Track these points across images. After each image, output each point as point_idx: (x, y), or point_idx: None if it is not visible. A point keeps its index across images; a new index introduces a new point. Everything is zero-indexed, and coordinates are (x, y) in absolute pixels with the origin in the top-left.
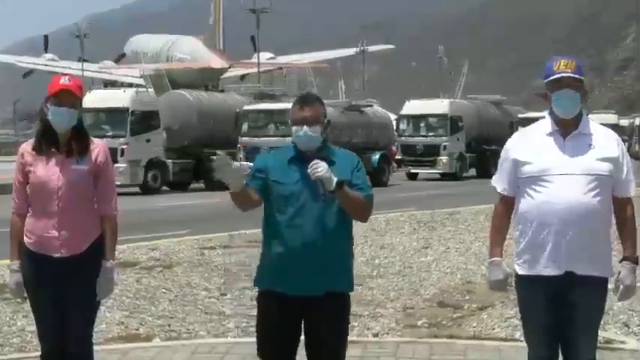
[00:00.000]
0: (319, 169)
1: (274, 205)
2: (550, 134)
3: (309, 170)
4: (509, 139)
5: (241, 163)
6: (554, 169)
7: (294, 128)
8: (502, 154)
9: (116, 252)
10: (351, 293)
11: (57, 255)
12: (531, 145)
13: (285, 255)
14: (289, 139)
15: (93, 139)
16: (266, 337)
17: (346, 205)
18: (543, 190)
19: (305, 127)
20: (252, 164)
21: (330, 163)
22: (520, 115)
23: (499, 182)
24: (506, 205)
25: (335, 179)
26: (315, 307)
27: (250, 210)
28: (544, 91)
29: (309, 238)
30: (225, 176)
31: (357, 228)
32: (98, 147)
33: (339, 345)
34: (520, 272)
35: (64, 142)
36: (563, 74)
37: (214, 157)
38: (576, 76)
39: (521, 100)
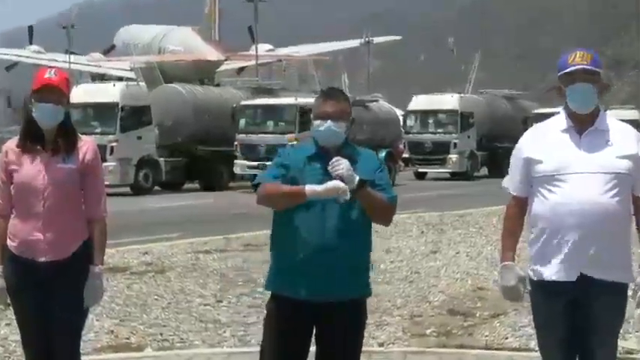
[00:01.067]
0: (341, 167)
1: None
2: (565, 131)
3: (329, 167)
4: (522, 137)
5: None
6: (569, 167)
7: (316, 122)
8: (514, 152)
9: (105, 256)
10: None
11: (42, 259)
12: (545, 142)
13: (304, 257)
14: (288, 136)
15: (81, 136)
16: (275, 342)
17: (368, 206)
18: (558, 191)
19: (329, 121)
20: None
21: (352, 162)
22: (534, 111)
23: (511, 182)
24: (519, 206)
25: (357, 178)
26: (332, 314)
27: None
28: (558, 85)
29: (329, 239)
30: (326, 193)
31: None
32: (86, 144)
33: (355, 356)
34: (534, 278)
35: (50, 139)
36: (578, 67)
37: None
38: (592, 68)
39: (535, 95)
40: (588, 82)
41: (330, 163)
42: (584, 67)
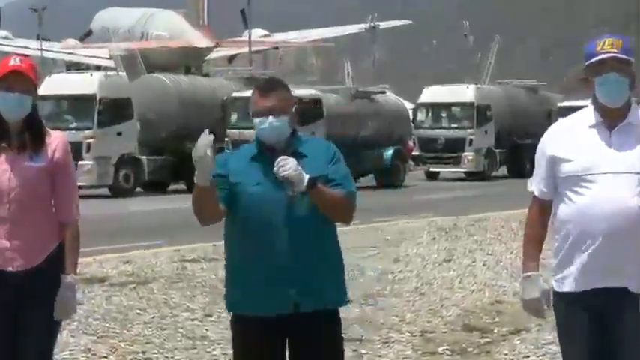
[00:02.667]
0: (287, 167)
1: (238, 211)
2: (593, 126)
3: (275, 169)
4: (546, 133)
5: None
6: (597, 167)
7: (256, 120)
8: (538, 150)
9: (82, 266)
10: (356, 313)
11: (8, 269)
12: (571, 139)
13: (256, 268)
14: None
15: (50, 131)
16: None
17: (322, 207)
18: (585, 192)
19: (270, 117)
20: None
21: (301, 157)
22: (560, 104)
23: (533, 182)
24: (543, 209)
25: (306, 177)
26: (300, 328)
27: (211, 223)
28: (585, 75)
29: (280, 246)
30: (203, 162)
31: (366, 237)
32: (56, 140)
33: None
34: (558, 289)
35: (16, 134)
36: (608, 55)
37: (202, 136)
38: (624, 57)
39: (561, 86)
40: (619, 72)
41: (275, 163)
42: (615, 55)
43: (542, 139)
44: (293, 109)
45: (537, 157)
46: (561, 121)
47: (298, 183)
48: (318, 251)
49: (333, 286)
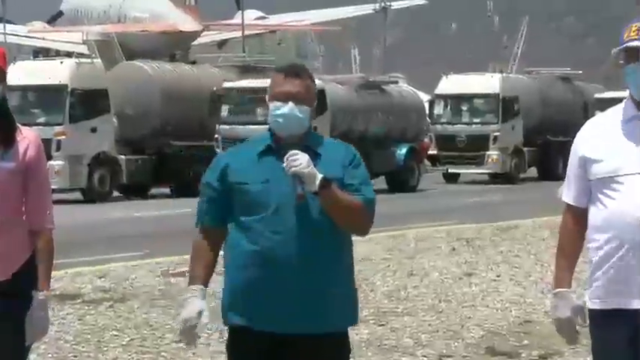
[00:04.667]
0: (297, 162)
1: (241, 214)
2: (629, 121)
3: (284, 164)
4: (580, 130)
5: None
6: (630, 167)
7: (273, 105)
8: (571, 150)
9: (52, 280)
10: (365, 334)
11: None
12: (604, 136)
13: (260, 281)
14: None
15: (21, 127)
16: None
17: (334, 212)
18: (617, 196)
19: (290, 103)
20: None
21: (314, 156)
22: (598, 95)
23: (566, 187)
24: (577, 218)
25: (320, 176)
26: (302, 352)
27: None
28: (617, 64)
29: (286, 255)
30: (189, 334)
31: (377, 248)
32: (27, 138)
33: None
34: (593, 306)
35: None
36: (633, 43)
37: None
38: None
39: (600, 76)
40: None
41: (285, 157)
42: None
43: (575, 138)
44: (314, 104)
45: (570, 158)
46: (597, 116)
47: (310, 181)
48: (330, 264)
49: (343, 306)
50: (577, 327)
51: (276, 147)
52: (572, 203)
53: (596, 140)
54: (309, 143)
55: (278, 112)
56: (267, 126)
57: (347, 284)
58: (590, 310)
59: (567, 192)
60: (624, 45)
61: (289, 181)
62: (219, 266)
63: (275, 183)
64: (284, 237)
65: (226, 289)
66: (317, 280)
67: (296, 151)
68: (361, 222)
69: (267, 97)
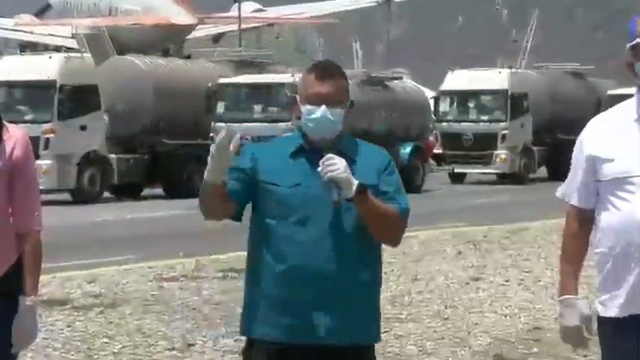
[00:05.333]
0: (335, 167)
1: (267, 217)
2: (638, 120)
3: (320, 168)
4: (585, 128)
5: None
6: None
7: (306, 108)
8: (575, 149)
9: (40, 285)
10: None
11: None
12: (614, 134)
13: (285, 288)
14: (283, 124)
15: (7, 125)
16: None
17: (370, 220)
18: (631, 198)
19: (323, 106)
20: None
21: (350, 161)
22: (610, 92)
23: (571, 188)
24: (583, 220)
25: (356, 183)
26: None
27: (218, 220)
28: (629, 58)
29: (315, 262)
30: (222, 157)
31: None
32: (14, 137)
33: None
34: (603, 314)
35: None
36: None
37: (221, 131)
38: None
39: (613, 71)
40: None
41: (321, 161)
42: None
43: (580, 135)
44: (349, 103)
45: (575, 156)
46: (605, 112)
47: (346, 187)
48: (361, 274)
49: (372, 319)
50: (584, 335)
51: (309, 149)
52: (578, 205)
53: (606, 138)
54: (342, 147)
55: (311, 116)
56: (264, 124)
57: (376, 297)
58: (602, 319)
59: (571, 192)
60: (636, 41)
61: (324, 186)
62: (241, 264)
63: (306, 187)
64: (313, 245)
65: (248, 298)
66: (349, 290)
67: (332, 155)
68: (395, 231)
69: (297, 96)
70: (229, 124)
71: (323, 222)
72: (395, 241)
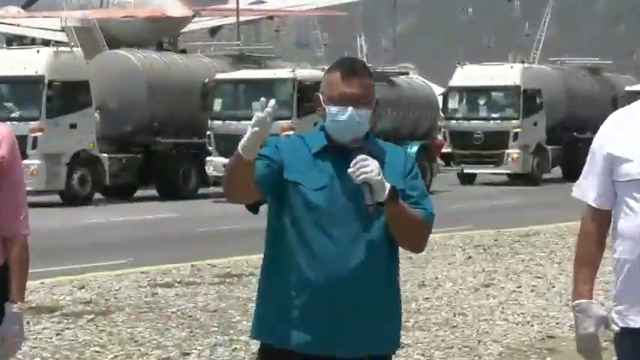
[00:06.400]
0: (369, 169)
1: (290, 217)
2: None
3: (351, 169)
4: (602, 125)
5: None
6: None
7: (331, 109)
8: (592, 147)
9: (27, 291)
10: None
11: None
12: (634, 132)
13: (306, 294)
14: (284, 122)
15: None
16: None
17: (397, 226)
18: None
19: (350, 108)
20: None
21: (379, 163)
22: (628, 88)
23: (586, 188)
24: (599, 222)
25: (389, 185)
26: None
27: (245, 201)
28: None
29: (343, 270)
30: (261, 127)
31: None
32: (0, 135)
33: None
34: (621, 323)
35: None
36: None
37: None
38: None
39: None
40: None
41: (353, 163)
42: None
43: (598, 132)
44: (375, 104)
45: (591, 154)
46: (623, 109)
47: (380, 190)
48: (387, 284)
49: (387, 328)
50: (600, 344)
51: (333, 149)
52: (594, 205)
53: (625, 137)
54: (370, 149)
55: (338, 117)
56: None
57: (398, 304)
58: (619, 329)
59: (588, 191)
60: None
61: (358, 189)
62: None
63: (333, 190)
64: (338, 252)
65: (263, 302)
66: (372, 297)
67: (366, 157)
68: (421, 237)
69: (320, 95)
70: (227, 121)
71: (349, 228)
72: (418, 248)
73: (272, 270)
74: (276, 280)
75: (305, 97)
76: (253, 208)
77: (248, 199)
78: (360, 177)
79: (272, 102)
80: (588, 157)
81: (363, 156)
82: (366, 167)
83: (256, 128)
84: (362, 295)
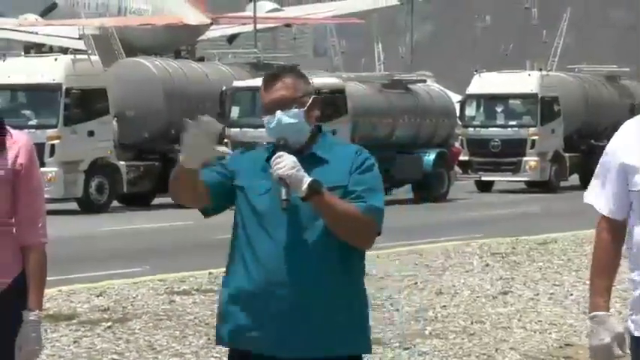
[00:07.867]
0: (282, 164)
1: (241, 222)
2: None
3: (270, 170)
4: (616, 134)
5: (223, 149)
6: None
7: (264, 119)
8: (605, 156)
9: (45, 299)
10: (389, 359)
11: None
12: None
13: (249, 294)
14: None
15: (11, 130)
16: None
17: (329, 220)
18: None
19: (278, 112)
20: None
21: (321, 163)
22: None
23: (600, 197)
24: (614, 231)
25: (307, 180)
26: None
27: (192, 204)
28: None
29: (281, 270)
30: (195, 146)
31: (402, 263)
32: (18, 142)
33: None
34: (636, 333)
35: None
36: None
37: (200, 119)
38: None
39: None
40: None
41: (270, 161)
42: None
43: (611, 141)
44: (311, 100)
45: (604, 163)
46: (634, 119)
47: (296, 185)
48: (336, 283)
49: (351, 328)
50: (615, 355)
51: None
52: (609, 215)
53: (638, 146)
54: (314, 149)
55: (268, 126)
56: None
57: (351, 306)
58: (634, 337)
59: (602, 202)
60: None
61: (274, 185)
62: (212, 284)
63: (275, 192)
64: (278, 251)
65: (222, 303)
66: (319, 299)
67: (282, 153)
68: (360, 231)
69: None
70: (244, 129)
71: (291, 229)
72: (362, 243)
73: (228, 273)
74: (230, 282)
75: (323, 104)
76: (205, 211)
77: (193, 201)
78: (275, 173)
79: (205, 117)
80: (599, 165)
81: (278, 153)
82: (279, 163)
83: (190, 143)
84: (301, 296)
